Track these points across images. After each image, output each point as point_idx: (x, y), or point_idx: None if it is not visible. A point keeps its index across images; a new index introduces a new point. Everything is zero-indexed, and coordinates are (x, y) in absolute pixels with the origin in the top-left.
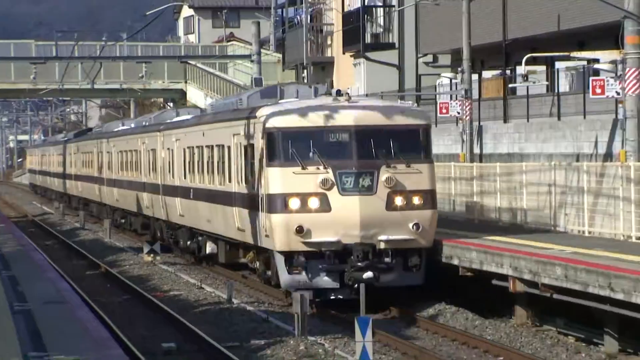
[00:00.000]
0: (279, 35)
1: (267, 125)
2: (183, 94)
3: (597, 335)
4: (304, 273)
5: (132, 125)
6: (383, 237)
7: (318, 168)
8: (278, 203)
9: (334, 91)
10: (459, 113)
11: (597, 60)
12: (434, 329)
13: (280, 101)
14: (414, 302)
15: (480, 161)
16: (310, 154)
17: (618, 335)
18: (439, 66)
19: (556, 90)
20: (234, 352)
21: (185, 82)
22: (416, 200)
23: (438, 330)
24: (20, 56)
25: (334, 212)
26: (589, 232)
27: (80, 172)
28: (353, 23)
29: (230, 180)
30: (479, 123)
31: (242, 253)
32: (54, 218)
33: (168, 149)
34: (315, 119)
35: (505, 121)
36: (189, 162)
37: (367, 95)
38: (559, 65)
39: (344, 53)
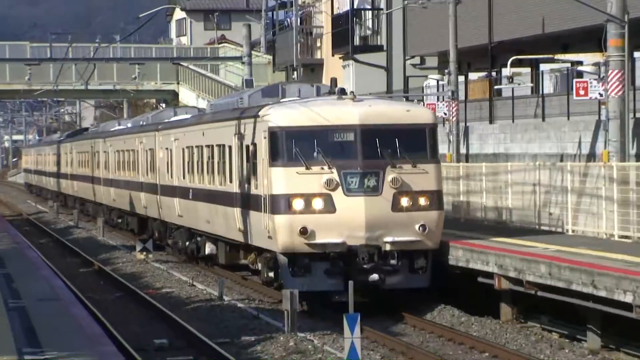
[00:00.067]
0: (270, 38)
1: (271, 124)
2: (175, 95)
3: (580, 332)
4: (308, 275)
5: (129, 125)
6: (389, 239)
7: (322, 168)
8: (281, 204)
9: (337, 90)
10: (445, 114)
11: (580, 63)
12: (421, 326)
13: (281, 100)
14: (402, 300)
15: (467, 161)
16: (315, 154)
17: (601, 331)
18: (426, 68)
19: (541, 92)
20: (224, 348)
21: (178, 83)
22: (422, 201)
23: (425, 326)
24: (15, 57)
25: (338, 213)
26: (573, 231)
27: (76, 171)
28: (342, 26)
29: (231, 181)
30: (466, 124)
31: (243, 254)
32: (48, 217)
33: (166, 148)
34: (320, 118)
35: (491, 122)
36: (188, 162)
37: None
38: (543, 67)
39: (333, 55)
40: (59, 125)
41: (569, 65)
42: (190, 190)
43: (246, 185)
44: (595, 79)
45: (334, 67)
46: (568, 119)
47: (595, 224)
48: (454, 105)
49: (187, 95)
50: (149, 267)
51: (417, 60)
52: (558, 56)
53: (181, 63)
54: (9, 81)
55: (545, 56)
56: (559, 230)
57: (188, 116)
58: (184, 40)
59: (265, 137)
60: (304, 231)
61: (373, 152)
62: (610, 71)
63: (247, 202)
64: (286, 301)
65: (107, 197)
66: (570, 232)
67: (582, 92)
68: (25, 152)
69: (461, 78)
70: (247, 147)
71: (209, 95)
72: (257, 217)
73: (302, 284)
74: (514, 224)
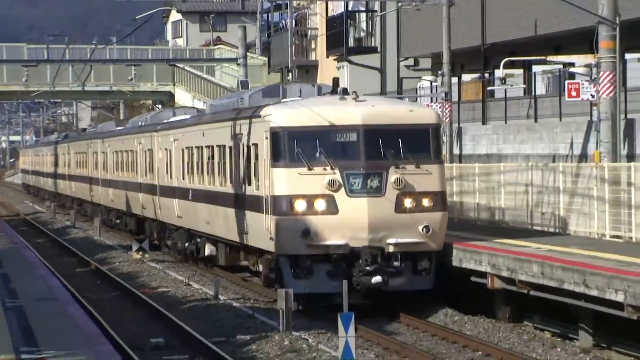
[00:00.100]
0: (265, 39)
1: (272, 124)
2: (171, 96)
3: (572, 331)
4: (310, 277)
5: (127, 126)
6: (392, 240)
7: (325, 169)
8: (283, 205)
9: (340, 90)
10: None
11: (572, 64)
12: (415, 325)
13: (282, 100)
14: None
15: (460, 162)
16: (317, 154)
17: (592, 330)
18: (420, 69)
19: (533, 93)
20: (220, 347)
21: (174, 84)
22: (426, 202)
23: (419, 325)
24: (12, 59)
25: (341, 215)
26: (565, 231)
27: (74, 172)
28: (336, 27)
29: (232, 182)
30: (459, 125)
31: (244, 256)
32: (45, 217)
33: (165, 149)
34: (322, 118)
35: (484, 123)
36: (188, 163)
37: None
38: (535, 68)
39: (327, 57)
40: (55, 126)
41: (561, 66)
42: (190, 191)
43: (247, 186)
44: (587, 81)
45: (329, 68)
46: (560, 120)
47: (587, 224)
48: (447, 106)
49: (183, 97)
50: (145, 267)
51: (410, 61)
52: (550, 58)
53: (177, 64)
54: (6, 82)
55: (538, 58)
56: (551, 230)
57: (187, 117)
58: (180, 41)
59: (266, 138)
60: (306, 233)
61: (376, 152)
62: (601, 73)
63: (248, 203)
64: (281, 300)
65: (106, 197)
66: (562, 232)
67: (574, 93)
68: (23, 152)
69: (454, 79)
70: (248, 147)
71: (204, 97)
72: (258, 218)
73: (304, 286)
74: (506, 224)
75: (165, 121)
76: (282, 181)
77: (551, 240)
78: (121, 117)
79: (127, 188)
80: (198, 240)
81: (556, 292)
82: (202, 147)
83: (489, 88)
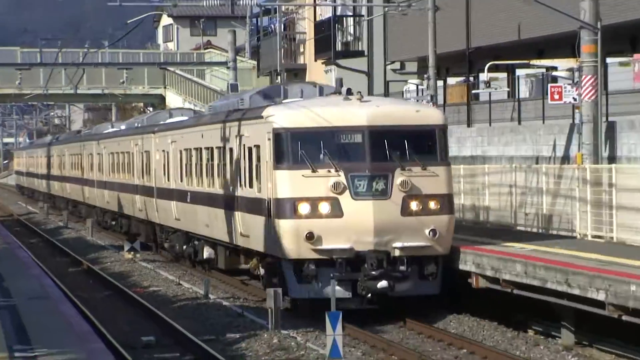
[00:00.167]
0: (254, 43)
1: (275, 125)
2: (162, 98)
3: (554, 329)
4: (314, 282)
5: (123, 127)
6: (398, 244)
7: (329, 171)
8: (287, 208)
9: (343, 90)
10: None
11: (555, 68)
12: (401, 323)
13: (284, 101)
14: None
15: None
16: (321, 156)
17: (574, 328)
18: (406, 73)
19: (517, 96)
20: (210, 345)
21: (165, 87)
22: (432, 205)
23: (404, 324)
24: (6, 62)
25: (346, 218)
26: (548, 231)
27: (69, 173)
28: (324, 32)
29: (233, 184)
30: None
31: (244, 259)
32: (38, 217)
33: (163, 150)
34: (326, 119)
35: (468, 125)
36: (186, 165)
37: None
38: (519, 72)
39: (315, 60)
40: (49, 128)
41: (544, 70)
42: (189, 193)
43: (249, 189)
44: (569, 84)
45: (317, 72)
46: (543, 122)
47: (569, 224)
48: None
49: (174, 99)
50: (136, 267)
51: (397, 65)
52: (533, 62)
53: (168, 68)
54: (0, 85)
55: (521, 62)
56: (535, 230)
57: (184, 118)
58: (171, 45)
59: (269, 139)
60: (310, 236)
61: (381, 154)
62: (583, 76)
63: (250, 206)
64: (270, 299)
65: (101, 199)
66: (545, 232)
67: (556, 96)
68: (17, 154)
69: (440, 83)
70: (250, 149)
71: (195, 99)
72: (260, 221)
73: (308, 291)
74: (491, 224)
75: (162, 122)
76: (285, 184)
77: (534, 240)
78: (113, 119)
79: (123, 190)
80: (196, 242)
81: (539, 291)
82: (201, 149)
83: (473, 91)
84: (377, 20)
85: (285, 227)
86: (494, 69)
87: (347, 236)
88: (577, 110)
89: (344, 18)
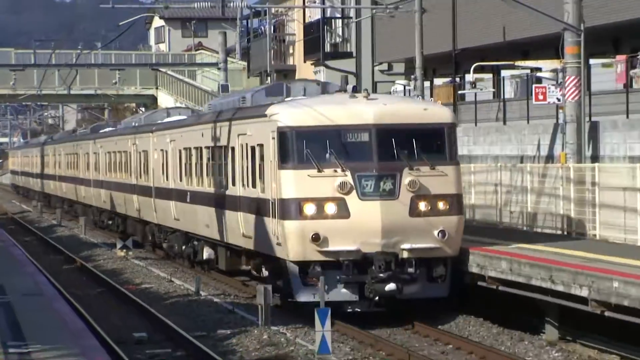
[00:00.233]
0: (244, 45)
1: (280, 124)
2: (154, 99)
3: (539, 324)
4: (320, 285)
5: (119, 126)
6: (406, 246)
7: (335, 170)
8: (292, 209)
9: (349, 87)
10: None
11: (539, 69)
12: (387, 320)
13: (286, 99)
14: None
15: None
16: (327, 155)
17: (558, 324)
18: (393, 74)
19: (502, 97)
20: (201, 341)
21: (156, 88)
22: (441, 205)
23: (391, 320)
24: (0, 63)
25: (353, 219)
26: (532, 228)
27: (65, 173)
28: (313, 33)
29: (234, 184)
30: None
31: (245, 260)
32: (32, 216)
33: (161, 150)
34: (332, 117)
35: None
36: (186, 164)
37: None
38: (504, 73)
39: (305, 61)
40: (42, 128)
41: (528, 71)
42: (188, 193)
43: (251, 189)
44: (553, 85)
45: (306, 72)
46: (528, 122)
47: (553, 222)
48: None
49: (166, 100)
50: (129, 264)
51: (385, 66)
52: (518, 63)
53: (160, 69)
54: None
55: (506, 63)
56: (519, 227)
57: (182, 117)
58: (163, 47)
59: (273, 138)
60: (316, 238)
61: (389, 153)
62: (567, 77)
63: (253, 206)
64: (260, 296)
65: (98, 199)
66: (530, 230)
67: (541, 97)
68: (12, 153)
69: (427, 83)
70: (253, 148)
71: (186, 100)
72: (264, 222)
73: (314, 293)
74: (477, 222)
75: (160, 122)
76: (290, 184)
77: (519, 238)
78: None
79: (120, 189)
80: (195, 243)
81: (524, 287)
82: (201, 148)
83: (459, 92)
84: (365, 22)
85: (291, 228)
86: (479, 70)
87: (354, 237)
88: (561, 111)
89: (333, 20)
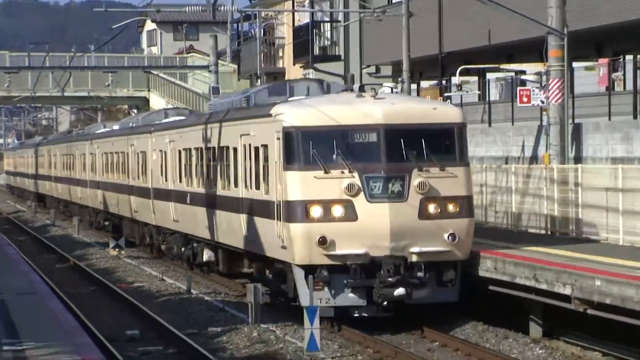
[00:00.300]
0: (235, 48)
1: (285, 124)
2: (146, 101)
3: (523, 322)
4: (326, 289)
5: (116, 127)
6: (415, 249)
7: (342, 172)
8: (298, 211)
9: (356, 87)
10: None
11: (524, 72)
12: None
13: (289, 99)
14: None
15: None
16: (334, 156)
17: (542, 321)
18: (381, 76)
19: (487, 99)
20: (193, 338)
21: (149, 90)
22: (451, 207)
23: (378, 318)
24: None
25: (360, 221)
26: (517, 228)
27: (60, 174)
28: (302, 37)
29: (237, 185)
30: None
31: (247, 263)
32: (26, 215)
33: (160, 150)
34: (339, 117)
35: None
36: (186, 165)
37: None
38: (489, 76)
39: (294, 64)
40: (37, 129)
41: (513, 74)
42: (188, 195)
43: (255, 190)
44: (537, 87)
45: (295, 75)
46: (512, 124)
47: (537, 222)
48: None
49: (158, 102)
50: (121, 263)
51: (372, 69)
52: (503, 66)
53: (152, 71)
54: None
55: (492, 66)
56: (504, 227)
57: (180, 118)
58: (155, 50)
59: (278, 138)
60: (322, 241)
61: (398, 154)
62: (551, 80)
63: (256, 208)
64: (250, 294)
65: (94, 199)
66: (514, 229)
67: (525, 99)
68: (7, 155)
69: (413, 86)
70: (257, 149)
71: (178, 102)
72: (268, 225)
73: (320, 298)
74: None
75: (158, 122)
76: (296, 185)
77: (504, 237)
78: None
79: (117, 190)
80: (195, 245)
81: (508, 285)
82: (201, 149)
83: (446, 94)
84: (353, 25)
85: (296, 231)
86: (465, 72)
87: (361, 241)
88: (544, 113)
89: (322, 24)
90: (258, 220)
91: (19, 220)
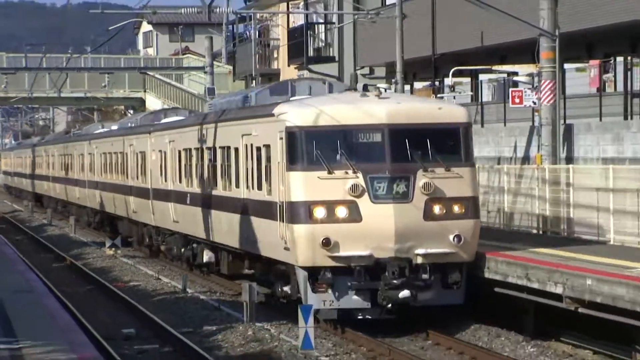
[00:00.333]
0: (230, 49)
1: (288, 124)
2: (142, 102)
3: (515, 321)
4: (330, 291)
5: (114, 127)
6: (420, 251)
7: (346, 172)
8: (301, 212)
9: (359, 86)
10: None
11: (516, 73)
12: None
13: (291, 98)
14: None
15: None
16: (338, 157)
17: (534, 320)
18: (375, 78)
19: (480, 100)
20: (188, 337)
21: (145, 91)
22: (457, 208)
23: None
24: None
25: (365, 223)
26: (509, 228)
27: (58, 174)
28: (297, 38)
29: (238, 185)
30: None
31: (248, 264)
32: (23, 215)
33: (160, 151)
34: (343, 117)
35: None
36: (186, 165)
37: None
38: (482, 77)
39: (289, 65)
40: (34, 130)
41: (505, 75)
42: (188, 195)
43: (257, 191)
44: (529, 88)
45: (290, 76)
46: (505, 125)
47: (529, 221)
48: None
49: (153, 102)
50: (117, 262)
51: (366, 70)
52: (496, 67)
53: (148, 72)
54: None
55: (484, 67)
56: (497, 227)
57: (179, 118)
58: (151, 51)
59: (281, 138)
60: (326, 242)
61: (402, 154)
62: (542, 81)
63: (258, 209)
64: (245, 293)
65: (93, 200)
66: (507, 229)
67: (517, 100)
68: (5, 155)
69: (407, 87)
70: (259, 149)
71: (173, 102)
72: (271, 226)
73: (324, 300)
74: None
75: (158, 122)
76: (300, 186)
77: (496, 237)
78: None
79: (116, 191)
80: (195, 245)
81: (501, 285)
82: (202, 149)
83: (439, 95)
84: (347, 27)
85: (300, 232)
86: (458, 74)
87: (366, 242)
88: (536, 114)
89: (316, 25)
90: (260, 221)
91: (16, 219)
